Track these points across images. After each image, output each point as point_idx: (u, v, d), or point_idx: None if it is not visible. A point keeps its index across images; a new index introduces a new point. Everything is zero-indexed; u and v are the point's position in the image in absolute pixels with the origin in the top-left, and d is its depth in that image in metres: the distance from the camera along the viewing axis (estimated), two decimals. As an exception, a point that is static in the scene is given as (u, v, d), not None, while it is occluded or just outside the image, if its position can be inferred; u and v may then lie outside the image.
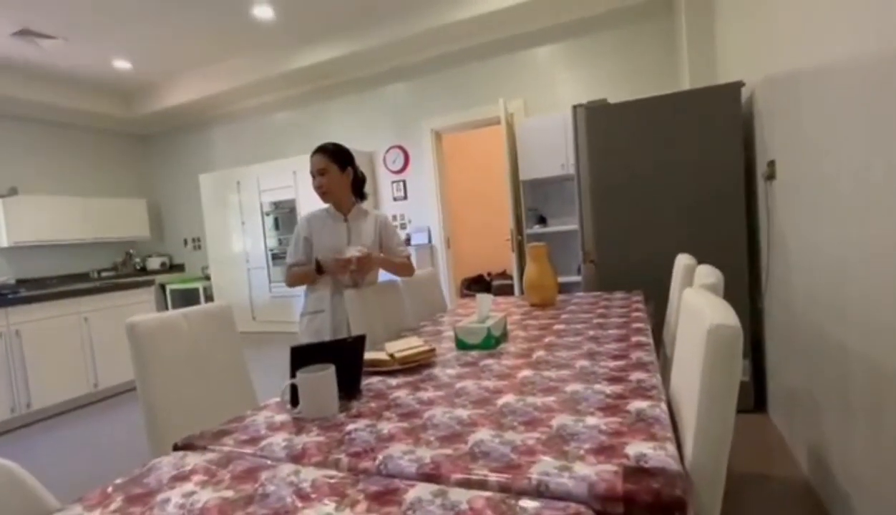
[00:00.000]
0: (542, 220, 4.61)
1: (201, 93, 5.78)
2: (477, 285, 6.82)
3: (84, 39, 4.69)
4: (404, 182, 5.47)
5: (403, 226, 5.50)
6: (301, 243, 2.01)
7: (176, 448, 0.92)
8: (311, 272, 1.95)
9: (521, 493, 0.67)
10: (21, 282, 5.37)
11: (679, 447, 0.79)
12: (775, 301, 2.31)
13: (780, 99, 2.09)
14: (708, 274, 1.26)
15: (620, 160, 2.68)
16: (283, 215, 5.82)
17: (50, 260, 6.03)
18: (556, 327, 1.66)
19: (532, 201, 4.67)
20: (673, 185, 2.60)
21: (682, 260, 1.73)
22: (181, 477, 0.79)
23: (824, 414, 1.73)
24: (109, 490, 0.77)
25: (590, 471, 0.68)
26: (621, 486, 0.64)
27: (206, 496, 0.72)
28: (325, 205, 2.05)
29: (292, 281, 2.02)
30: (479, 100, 4.97)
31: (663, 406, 0.90)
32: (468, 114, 5.06)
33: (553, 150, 4.24)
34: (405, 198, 5.49)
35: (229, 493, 0.72)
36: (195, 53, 5.22)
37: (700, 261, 1.65)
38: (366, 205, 2.14)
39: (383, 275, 2.16)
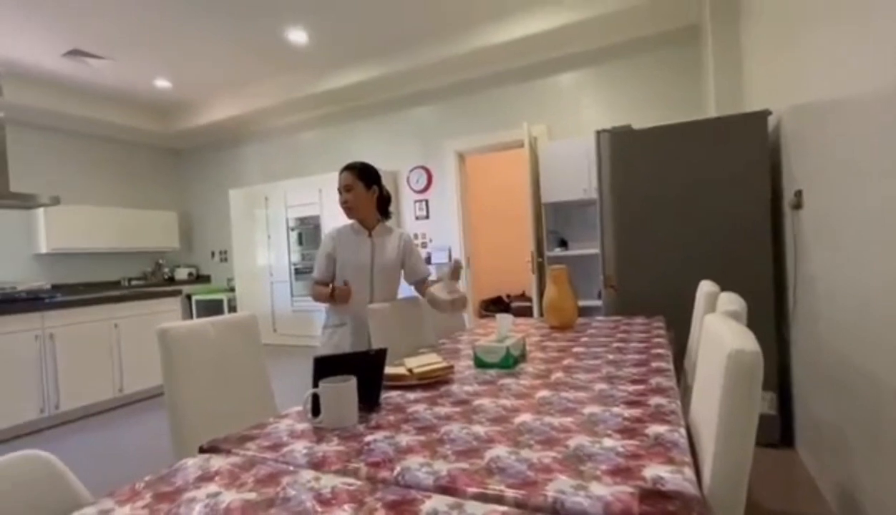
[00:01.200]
0: (563, 243, 4.61)
1: (235, 112, 6.01)
2: (496, 306, 6.81)
3: (130, 60, 4.95)
4: (426, 201, 5.55)
5: (424, 245, 5.56)
6: (324, 260, 2.06)
7: (201, 450, 0.95)
8: (326, 293, 2.00)
9: (537, 510, 0.67)
10: (56, 288, 5.59)
11: (698, 473, 0.78)
12: (802, 331, 2.26)
13: (807, 128, 2.07)
14: (730, 301, 1.25)
15: (643, 186, 2.68)
16: (308, 231, 5.95)
17: (83, 267, 6.26)
18: (575, 350, 1.66)
19: (553, 224, 4.68)
20: (697, 212, 2.59)
21: (705, 287, 1.72)
22: (206, 478, 0.82)
23: (855, 449, 1.67)
24: (139, 486, 0.80)
25: (606, 492, 0.69)
26: (637, 508, 0.64)
27: (229, 497, 0.75)
28: (350, 221, 2.11)
29: (314, 298, 2.08)
30: (502, 123, 5.04)
31: (682, 431, 0.89)
32: (491, 136, 5.14)
33: (575, 174, 4.27)
34: (427, 217, 5.56)
35: (252, 495, 0.75)
36: (231, 74, 5.45)
37: (724, 289, 1.63)
38: (389, 223, 2.20)
39: (405, 290, 2.19)
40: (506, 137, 5.02)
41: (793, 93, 2.23)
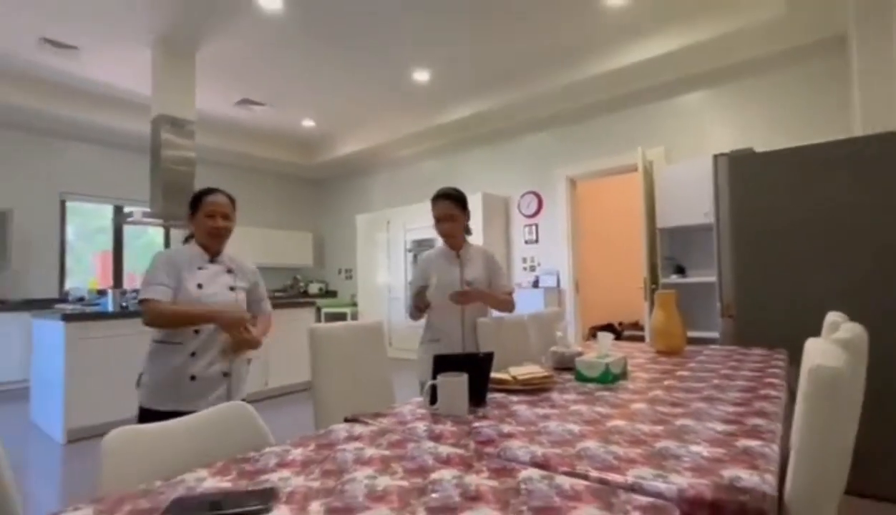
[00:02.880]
0: (680, 270, 4.40)
1: (365, 145, 6.75)
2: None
3: (284, 105, 5.88)
4: (536, 226, 5.66)
5: (533, 268, 5.65)
6: (421, 278, 2.17)
7: (346, 420, 1.20)
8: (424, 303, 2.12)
9: (617, 487, 0.79)
10: (219, 296, 6.68)
11: (783, 487, 0.82)
12: (970, 378, 1.96)
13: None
14: (847, 329, 1.21)
15: (769, 211, 2.54)
16: (423, 253, 6.40)
17: (239, 280, 7.39)
18: (680, 373, 1.67)
19: (670, 250, 4.51)
20: (835, 241, 2.38)
21: (831, 318, 1.62)
22: (352, 438, 1.06)
23: None
24: (308, 438, 1.06)
25: (683, 481, 0.78)
26: (710, 494, 0.73)
27: (370, 452, 0.97)
28: (438, 244, 2.25)
29: (416, 316, 2.22)
30: (616, 148, 5.01)
31: (774, 447, 0.93)
32: (604, 161, 5.12)
33: (695, 198, 4.09)
34: (536, 241, 5.66)
35: (386, 452, 0.96)
36: (364, 112, 6.16)
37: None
38: (494, 244, 2.35)
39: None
40: (619, 162, 4.98)
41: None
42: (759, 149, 3.46)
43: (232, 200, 1.85)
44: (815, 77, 3.89)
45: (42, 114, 5.28)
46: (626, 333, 6.33)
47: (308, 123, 6.52)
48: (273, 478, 0.84)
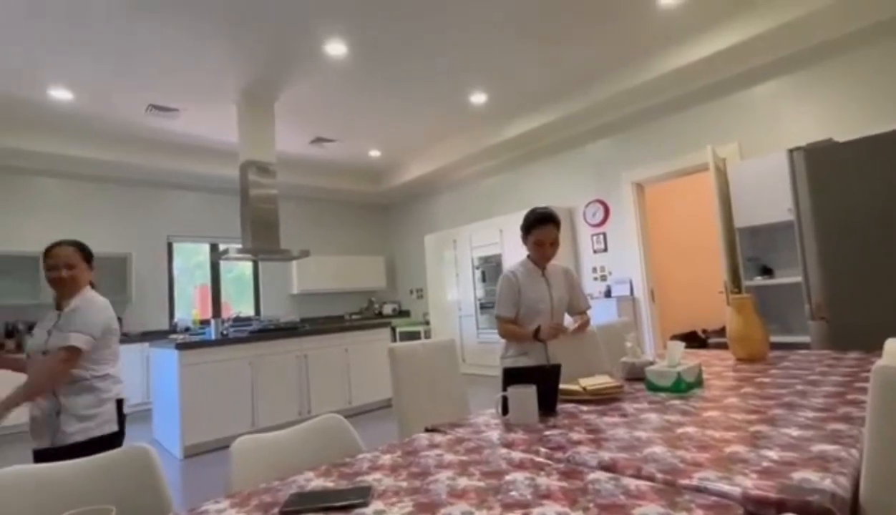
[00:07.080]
0: (766, 271, 4.14)
1: (428, 169, 7.01)
2: (690, 342, 6.25)
3: (352, 139, 6.29)
4: (604, 234, 5.56)
5: (604, 278, 5.54)
6: (514, 299, 2.16)
7: (427, 430, 1.32)
8: (528, 335, 2.10)
9: (683, 488, 0.83)
10: (303, 320, 7.17)
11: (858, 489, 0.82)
12: None
13: None
14: (941, 328, 1.14)
15: (858, 205, 2.37)
16: (490, 269, 6.48)
17: (318, 304, 7.89)
18: (760, 380, 1.62)
19: (753, 250, 4.25)
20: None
21: (931, 316, 1.51)
22: (432, 446, 1.17)
23: None
24: (394, 446, 1.19)
25: (749, 483, 0.80)
26: (775, 494, 0.75)
27: (449, 457, 1.08)
28: (522, 260, 2.27)
29: (508, 337, 2.22)
30: (683, 148, 4.84)
31: (853, 451, 0.91)
32: (671, 164, 4.96)
33: (777, 193, 3.85)
34: (605, 250, 5.56)
35: (464, 457, 1.06)
36: (425, 138, 6.43)
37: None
38: (561, 255, 2.38)
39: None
40: (688, 162, 4.80)
41: None
42: (853, 134, 3.20)
43: (79, 246, 1.83)
44: (906, 52, 3.56)
45: (151, 168, 6.06)
46: (712, 341, 5.97)
47: (374, 153, 6.90)
48: (368, 479, 0.97)
